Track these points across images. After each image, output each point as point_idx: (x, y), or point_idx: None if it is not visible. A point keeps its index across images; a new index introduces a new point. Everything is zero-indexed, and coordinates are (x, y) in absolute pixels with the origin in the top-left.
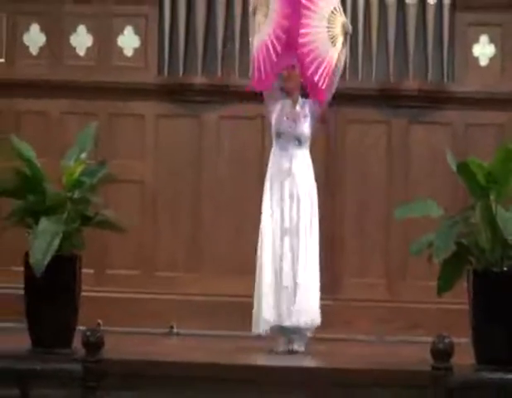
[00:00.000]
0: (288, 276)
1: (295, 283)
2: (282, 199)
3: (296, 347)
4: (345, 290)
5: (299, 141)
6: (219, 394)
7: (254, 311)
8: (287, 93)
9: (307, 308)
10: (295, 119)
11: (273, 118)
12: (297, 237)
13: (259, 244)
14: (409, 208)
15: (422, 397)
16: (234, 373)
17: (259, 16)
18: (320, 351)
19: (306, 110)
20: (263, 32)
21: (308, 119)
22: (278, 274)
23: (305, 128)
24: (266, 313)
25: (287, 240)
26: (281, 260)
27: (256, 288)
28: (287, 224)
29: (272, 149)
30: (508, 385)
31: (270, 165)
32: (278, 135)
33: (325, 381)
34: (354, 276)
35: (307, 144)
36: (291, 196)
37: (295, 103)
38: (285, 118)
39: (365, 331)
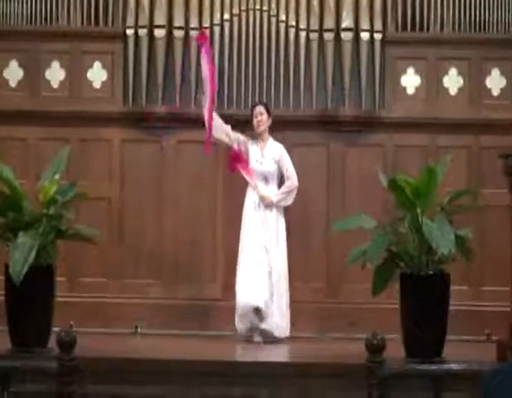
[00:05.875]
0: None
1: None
2: (256, 225)
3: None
4: (293, 293)
5: (266, 179)
6: (180, 386)
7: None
8: (257, 136)
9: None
10: (262, 161)
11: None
12: (269, 252)
13: (240, 252)
14: (346, 221)
15: (359, 386)
16: (202, 367)
17: None
18: (275, 347)
19: (275, 153)
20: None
21: (276, 160)
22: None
23: (271, 167)
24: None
25: (263, 253)
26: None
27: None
28: (261, 243)
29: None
30: (433, 375)
31: (246, 197)
32: None
33: (282, 373)
34: (300, 281)
35: (275, 181)
36: (263, 223)
37: (264, 145)
38: (255, 160)
39: (309, 329)
